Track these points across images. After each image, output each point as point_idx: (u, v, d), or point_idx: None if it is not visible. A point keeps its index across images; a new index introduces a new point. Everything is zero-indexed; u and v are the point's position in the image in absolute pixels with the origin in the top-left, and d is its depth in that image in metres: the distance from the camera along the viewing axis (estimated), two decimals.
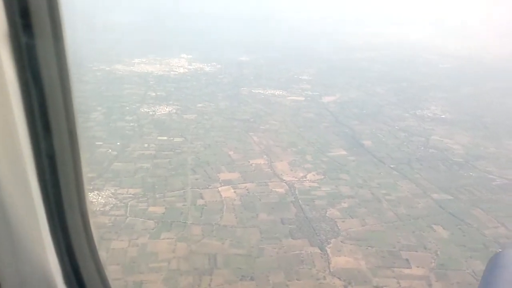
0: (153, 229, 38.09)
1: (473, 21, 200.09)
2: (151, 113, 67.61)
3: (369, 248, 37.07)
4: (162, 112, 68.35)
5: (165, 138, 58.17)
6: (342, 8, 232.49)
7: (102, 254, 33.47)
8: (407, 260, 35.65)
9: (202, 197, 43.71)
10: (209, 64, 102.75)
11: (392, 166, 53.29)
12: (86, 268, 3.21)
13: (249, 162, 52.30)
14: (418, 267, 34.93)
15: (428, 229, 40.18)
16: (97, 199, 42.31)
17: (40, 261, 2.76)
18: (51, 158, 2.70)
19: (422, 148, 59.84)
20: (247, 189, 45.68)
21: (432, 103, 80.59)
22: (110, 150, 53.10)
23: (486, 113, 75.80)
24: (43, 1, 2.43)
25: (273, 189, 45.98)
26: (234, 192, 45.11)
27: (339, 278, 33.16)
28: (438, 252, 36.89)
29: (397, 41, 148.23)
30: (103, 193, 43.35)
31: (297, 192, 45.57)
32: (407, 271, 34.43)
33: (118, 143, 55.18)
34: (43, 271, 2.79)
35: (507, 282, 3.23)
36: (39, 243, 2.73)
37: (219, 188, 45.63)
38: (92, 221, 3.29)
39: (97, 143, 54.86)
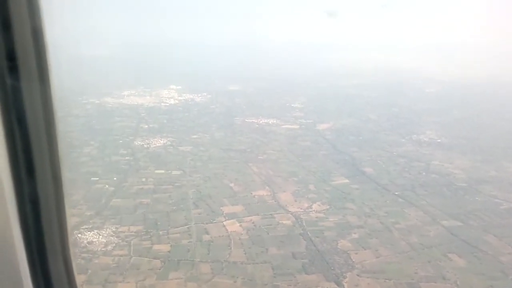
0: (160, 269, 36.15)
1: (449, 47, 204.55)
2: (145, 146, 66.02)
3: (386, 281, 35.65)
4: (157, 144, 66.82)
5: (163, 171, 56.50)
6: (324, 35, 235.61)
7: None
8: None
9: (207, 233, 41.97)
10: (199, 95, 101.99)
11: (396, 193, 52.35)
12: None
13: (251, 193, 50.85)
14: None
15: (443, 258, 38.99)
16: (97, 238, 40.28)
17: None
18: (35, 203, 2.63)
19: (424, 173, 59.20)
20: (253, 222, 44.12)
21: (426, 128, 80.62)
22: (107, 186, 51.19)
23: (480, 136, 75.99)
24: (30, 44, 2.42)
25: (279, 221, 44.50)
26: (240, 226, 43.51)
27: None
28: (458, 282, 35.64)
29: (380, 66, 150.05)
30: (103, 232, 41.34)
31: (304, 224, 44.16)
32: None
33: (115, 178, 53.31)
34: None
35: None
36: None
37: (224, 222, 43.99)
38: (75, 267, 3.18)
39: (92, 178, 52.95)
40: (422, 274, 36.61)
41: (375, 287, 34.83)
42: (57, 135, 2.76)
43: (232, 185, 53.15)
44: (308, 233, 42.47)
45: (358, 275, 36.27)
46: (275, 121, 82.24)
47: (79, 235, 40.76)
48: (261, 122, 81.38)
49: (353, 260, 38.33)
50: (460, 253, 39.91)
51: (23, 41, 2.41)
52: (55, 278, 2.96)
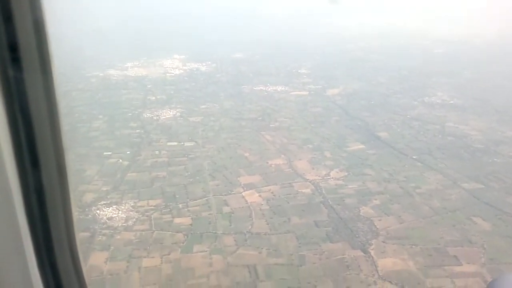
0: (183, 243, 35.78)
1: (457, 7, 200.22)
2: (155, 118, 64.96)
3: (413, 246, 35.26)
4: (166, 116, 65.74)
5: (175, 143, 55.69)
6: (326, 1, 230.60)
7: (134, 275, 31.23)
8: (455, 256, 33.92)
9: (227, 204, 41.46)
10: (204, 64, 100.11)
11: (414, 157, 51.61)
12: None
13: (267, 163, 50.15)
14: (468, 263, 33.24)
15: (468, 222, 38.55)
16: (117, 213, 39.81)
17: None
18: (40, 193, 2.62)
19: (440, 136, 58.32)
20: (272, 192, 43.55)
21: (438, 89, 79.23)
22: (120, 160, 50.49)
23: (493, 97, 74.56)
24: (32, 35, 2.42)
25: (299, 190, 43.93)
26: (259, 196, 42.96)
27: (390, 282, 31.31)
28: (485, 246, 35.27)
29: (387, 29, 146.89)
30: (122, 207, 40.85)
31: (324, 192, 43.59)
32: (458, 268, 32.70)
33: (128, 152, 52.57)
34: None
35: None
36: (28, 281, 2.59)
37: (243, 193, 43.43)
38: (81, 257, 3.15)
39: (105, 153, 52.22)
40: (448, 239, 36.21)
41: (402, 253, 34.44)
42: (61, 126, 2.71)
43: (247, 154, 52.41)
44: (329, 201, 41.94)
45: (383, 242, 35.88)
46: (283, 88, 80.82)
47: (98, 211, 40.32)
48: (269, 89, 79.97)
49: (377, 226, 37.89)
50: (484, 216, 39.43)
51: (24, 31, 2.39)
52: (62, 268, 2.93)
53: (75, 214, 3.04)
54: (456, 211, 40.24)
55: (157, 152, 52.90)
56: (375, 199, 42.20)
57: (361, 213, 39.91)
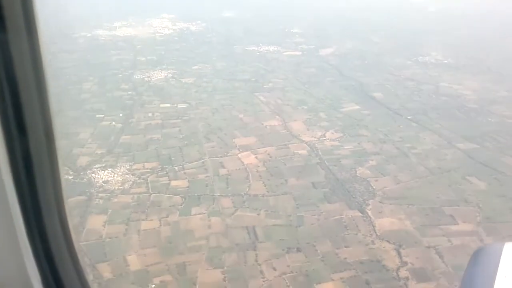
0: (181, 205, 35.69)
1: None
2: (146, 79, 63.80)
3: (410, 206, 35.55)
4: (158, 77, 64.60)
5: (168, 105, 54.93)
6: None
7: (133, 237, 31.21)
8: (451, 216, 34.28)
9: (223, 166, 41.27)
10: (194, 23, 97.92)
11: (409, 117, 51.55)
12: (65, 272, 3.01)
13: (262, 124, 49.79)
14: (464, 222, 33.63)
15: (463, 182, 38.85)
16: (113, 177, 39.48)
17: (18, 266, 2.59)
18: (27, 159, 2.55)
19: (434, 96, 58.18)
20: (268, 154, 43.38)
21: (432, 48, 78.53)
22: (113, 123, 49.77)
23: (487, 56, 74.32)
24: None
25: (295, 152, 43.80)
26: (256, 158, 42.78)
27: (388, 241, 31.63)
28: (480, 205, 35.64)
29: None
30: (118, 170, 40.49)
31: (320, 153, 43.52)
32: (454, 227, 33.09)
33: (121, 115, 51.79)
34: (21, 276, 2.60)
35: (488, 277, 3.13)
36: (16, 248, 2.55)
37: (239, 155, 43.20)
38: (70, 223, 3.14)
39: (97, 116, 51.39)
40: (444, 198, 36.54)
41: (399, 213, 34.74)
42: (48, 89, 2.60)
43: (241, 116, 51.93)
44: (325, 162, 41.92)
45: (380, 202, 36.11)
46: (276, 48, 79.56)
47: (93, 174, 39.95)
48: (261, 49, 78.70)
49: (374, 187, 38.06)
50: (480, 175, 39.74)
51: None
52: (51, 233, 2.87)
53: (64, 180, 2.95)
54: (452, 171, 40.48)
55: (150, 115, 52.20)
56: (371, 160, 42.26)
57: (357, 174, 40.00)
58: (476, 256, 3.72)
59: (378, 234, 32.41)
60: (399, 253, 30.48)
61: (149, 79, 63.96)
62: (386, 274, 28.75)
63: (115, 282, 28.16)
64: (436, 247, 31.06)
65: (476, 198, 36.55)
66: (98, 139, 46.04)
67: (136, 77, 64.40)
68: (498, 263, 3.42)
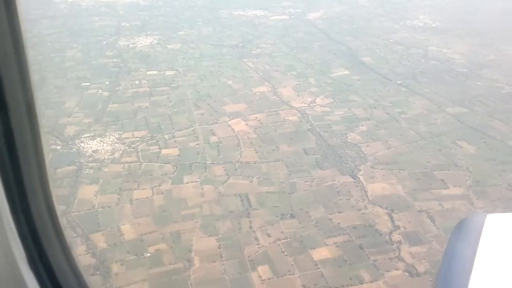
0: (173, 174, 35.47)
1: None
2: (131, 46, 62.40)
3: (401, 171, 35.80)
4: (143, 43, 63.20)
5: (155, 72, 53.96)
6: None
7: (126, 207, 31.05)
8: (442, 180, 34.63)
9: (214, 134, 40.95)
10: None
11: (398, 82, 51.40)
12: (51, 250, 2.96)
13: (251, 90, 49.27)
14: (455, 186, 34.01)
15: (453, 146, 39.14)
16: (102, 146, 38.98)
17: (2, 246, 2.54)
18: (9, 136, 2.48)
19: (423, 60, 57.98)
20: (258, 120, 43.09)
21: (420, 12, 77.83)
22: (100, 91, 48.82)
23: (475, 19, 73.84)
24: None
25: (285, 118, 43.57)
26: (246, 124, 42.48)
27: (380, 206, 31.94)
28: (470, 169, 36.02)
29: None
30: (107, 139, 39.95)
31: (311, 119, 43.35)
32: (445, 191, 33.47)
33: (107, 82, 50.77)
34: (6, 255, 2.57)
35: (471, 247, 3.24)
36: (0, 227, 2.49)
37: (229, 122, 42.85)
38: (55, 202, 3.04)
39: (83, 84, 50.35)
40: (434, 163, 36.82)
41: (390, 178, 34.99)
42: (28, 63, 2.48)
43: (230, 82, 51.28)
44: (316, 128, 41.80)
45: (372, 167, 36.28)
46: (263, 12, 78.08)
47: (82, 144, 39.37)
48: (248, 14, 77.21)
49: (365, 152, 38.16)
50: (469, 139, 40.04)
51: None
52: (36, 212, 2.80)
53: (52, 151, 3.38)
54: (442, 135, 40.72)
55: (137, 82, 51.27)
56: (362, 125, 42.27)
57: (348, 140, 40.03)
58: (459, 227, 3.78)
59: (370, 199, 32.68)
60: (391, 218, 30.84)
61: (134, 45, 62.54)
62: (379, 238, 29.12)
63: (109, 251, 28.11)
64: (428, 211, 31.46)
65: (466, 162, 36.90)
66: (85, 108, 45.21)
67: (121, 44, 62.92)
68: (480, 234, 3.48)
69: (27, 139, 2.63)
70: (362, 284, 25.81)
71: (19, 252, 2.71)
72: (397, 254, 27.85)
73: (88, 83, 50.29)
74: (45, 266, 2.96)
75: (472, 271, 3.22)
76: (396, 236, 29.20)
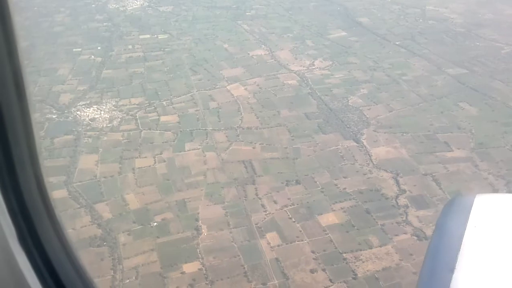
0: (174, 141, 34.87)
1: None
2: (121, 8, 60.48)
3: (404, 134, 35.54)
4: (134, 6, 61.29)
5: (148, 36, 52.50)
6: None
7: (129, 176, 30.55)
8: (446, 143, 34.48)
9: (213, 99, 40.19)
10: None
11: (397, 43, 50.60)
12: (42, 227, 2.93)
13: (248, 54, 48.21)
14: (459, 149, 33.89)
15: (455, 108, 38.86)
16: (99, 114, 38.11)
17: None
18: None
19: (421, 20, 57.03)
20: (257, 85, 42.30)
21: None
22: (93, 57, 47.43)
23: None
24: None
25: (285, 82, 42.82)
26: (245, 89, 41.71)
27: (385, 170, 31.78)
28: (473, 131, 35.87)
29: None
30: (104, 107, 39.04)
31: (310, 82, 42.66)
32: (449, 154, 33.37)
33: (99, 48, 49.31)
34: None
35: (459, 227, 3.33)
36: None
37: (228, 87, 42.02)
38: (45, 177, 2.95)
39: (74, 50, 48.86)
40: (437, 125, 36.60)
41: (394, 142, 34.76)
42: (16, 38, 2.36)
43: (226, 46, 50.09)
44: (317, 92, 41.17)
45: (374, 131, 35.98)
46: None
47: (78, 112, 38.46)
48: None
49: (367, 116, 37.78)
50: (471, 101, 39.76)
51: None
52: (25, 188, 2.75)
53: (37, 134, 2.82)
54: (443, 97, 40.36)
55: (130, 47, 49.87)
56: (363, 88, 41.73)
57: (350, 103, 39.56)
58: (448, 207, 3.83)
59: (375, 163, 32.49)
60: (397, 182, 30.75)
61: (124, 8, 60.62)
62: (385, 202, 29.07)
63: (115, 221, 27.73)
64: (433, 174, 31.37)
65: (469, 124, 36.71)
66: (78, 75, 43.96)
67: (111, 7, 60.91)
68: (469, 214, 3.52)
69: (16, 115, 2.55)
70: (371, 249, 25.83)
71: (9, 229, 2.65)
72: (404, 218, 27.86)
73: (80, 49, 48.80)
74: (35, 243, 2.90)
75: (460, 250, 3.27)
76: (402, 200, 29.16)
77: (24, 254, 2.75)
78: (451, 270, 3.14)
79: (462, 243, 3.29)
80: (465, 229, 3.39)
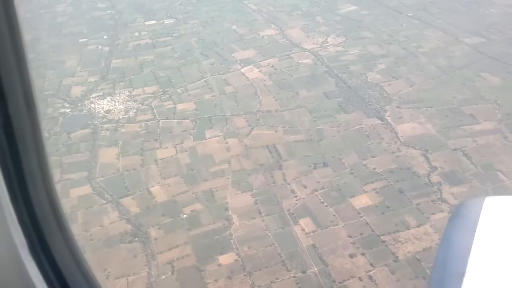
0: (193, 129, 34.08)
1: None
2: None
3: (428, 109, 34.66)
4: None
5: (154, 22, 51.21)
6: None
7: (152, 168, 29.85)
8: (472, 115, 33.62)
9: (228, 84, 39.23)
10: None
11: (410, 14, 49.25)
12: (52, 238, 2.91)
13: (259, 34, 47.02)
14: (486, 121, 33.04)
15: (477, 78, 37.86)
16: (114, 105, 37.24)
17: (3, 234, 2.48)
18: (8, 124, 2.44)
19: None
20: (272, 66, 41.28)
21: None
22: (100, 46, 46.30)
23: None
24: None
25: (299, 61, 41.76)
26: (260, 71, 40.71)
27: (413, 147, 31.02)
28: (498, 101, 34.93)
29: None
30: (117, 98, 38.13)
31: (326, 60, 41.60)
32: (477, 127, 32.52)
33: (105, 37, 48.13)
34: (7, 243, 2.52)
35: (469, 230, 3.34)
36: (1, 215, 2.44)
37: (242, 70, 41.03)
38: (56, 187, 2.98)
39: (80, 40, 47.67)
40: (460, 98, 35.67)
41: (418, 117, 33.90)
42: (25, 50, 2.36)
43: (234, 27, 48.86)
44: (333, 70, 40.16)
45: (398, 107, 35.11)
46: None
47: (92, 105, 37.59)
48: None
49: (388, 92, 36.85)
50: (492, 71, 38.71)
51: None
52: (35, 199, 2.72)
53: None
54: (463, 68, 39.33)
55: (136, 34, 48.68)
56: (380, 63, 40.68)
57: (368, 79, 38.59)
58: (458, 210, 3.86)
59: (402, 140, 31.70)
60: (427, 158, 30.00)
61: None
62: (418, 180, 28.37)
63: (144, 216, 27.13)
64: (462, 148, 30.61)
65: (493, 94, 35.75)
66: (87, 66, 42.92)
67: None
68: (479, 217, 3.50)
69: (26, 128, 2.56)
70: (409, 229, 25.24)
71: (20, 240, 2.63)
72: (439, 196, 27.18)
73: (86, 39, 47.62)
74: (46, 254, 2.88)
75: (470, 253, 3.24)
76: (435, 177, 28.44)
77: (35, 265, 2.75)
78: (462, 273, 3.13)
79: (472, 246, 3.27)
80: (474, 232, 3.37)
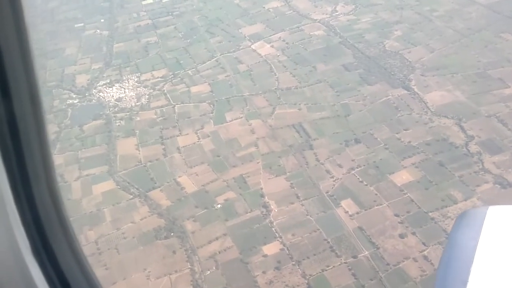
0: (212, 112, 32.51)
1: None
2: None
3: (454, 75, 33.38)
4: None
5: (151, 1, 48.74)
6: None
7: (175, 157, 28.37)
8: (500, 79, 32.42)
9: (240, 62, 37.50)
10: None
11: None
12: (55, 239, 2.87)
13: (264, 7, 44.95)
14: None
15: (498, 40, 36.52)
16: (124, 92, 35.39)
17: (6, 235, 2.45)
18: (12, 124, 2.37)
19: None
20: (283, 40, 39.52)
21: None
22: (98, 31, 43.99)
23: None
24: None
25: (311, 33, 40.03)
26: (271, 46, 38.95)
27: (446, 116, 29.86)
28: None
29: None
30: (126, 84, 36.25)
31: (339, 31, 39.92)
32: (507, 91, 31.38)
33: (102, 20, 45.73)
34: (10, 244, 2.48)
35: (472, 239, 3.38)
36: (4, 216, 2.42)
37: (252, 46, 39.23)
38: (59, 188, 2.92)
39: (76, 25, 45.23)
40: (485, 61, 34.42)
41: (446, 84, 32.65)
42: (32, 53, 2.28)
43: (237, 1, 46.69)
44: (348, 40, 38.54)
45: (422, 75, 33.79)
46: None
47: (100, 93, 35.72)
48: None
49: (409, 60, 35.46)
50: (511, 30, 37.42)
51: None
52: (39, 201, 2.67)
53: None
54: (482, 30, 37.93)
55: (135, 15, 46.30)
56: (396, 30, 39.14)
57: (387, 48, 37.12)
58: (461, 220, 3.77)
59: (433, 110, 30.49)
60: (461, 128, 28.87)
61: None
62: (456, 151, 27.28)
63: (176, 208, 25.77)
64: (496, 114, 29.50)
65: None
66: (88, 52, 40.75)
67: None
68: (482, 226, 3.47)
69: (31, 127, 2.46)
70: (456, 204, 24.28)
71: (23, 241, 2.55)
72: (481, 166, 26.18)
73: (82, 24, 45.21)
74: (48, 255, 2.79)
75: (473, 263, 3.22)
76: (473, 147, 27.39)
77: (38, 267, 2.69)
78: (464, 282, 3.13)
79: (475, 255, 3.28)
80: (477, 242, 3.37)
